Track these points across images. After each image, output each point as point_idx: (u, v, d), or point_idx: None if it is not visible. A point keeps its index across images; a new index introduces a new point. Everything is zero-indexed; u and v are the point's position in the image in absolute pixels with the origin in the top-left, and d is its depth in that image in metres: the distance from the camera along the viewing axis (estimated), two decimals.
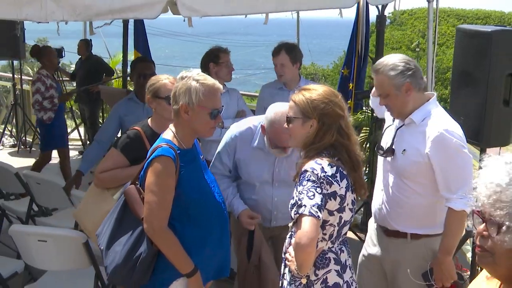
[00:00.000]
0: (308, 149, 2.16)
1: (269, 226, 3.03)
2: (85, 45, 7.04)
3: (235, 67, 4.05)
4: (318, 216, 1.99)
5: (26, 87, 8.33)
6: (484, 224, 1.29)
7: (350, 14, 5.03)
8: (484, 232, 1.29)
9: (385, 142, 2.62)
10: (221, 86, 2.31)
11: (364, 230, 4.71)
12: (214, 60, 3.85)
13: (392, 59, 2.42)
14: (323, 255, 2.17)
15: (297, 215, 2.01)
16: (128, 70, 6.81)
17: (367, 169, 4.93)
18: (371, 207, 2.78)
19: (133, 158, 2.70)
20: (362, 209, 4.86)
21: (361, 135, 5.01)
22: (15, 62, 8.09)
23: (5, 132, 7.89)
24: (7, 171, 4.03)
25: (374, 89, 2.66)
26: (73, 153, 7.56)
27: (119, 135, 3.65)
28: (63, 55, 7.20)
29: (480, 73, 2.99)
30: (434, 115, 2.43)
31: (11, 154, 7.47)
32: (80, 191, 3.67)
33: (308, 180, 2.05)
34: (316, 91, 2.18)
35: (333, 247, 2.19)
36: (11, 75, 8.08)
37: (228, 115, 3.84)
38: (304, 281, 2.14)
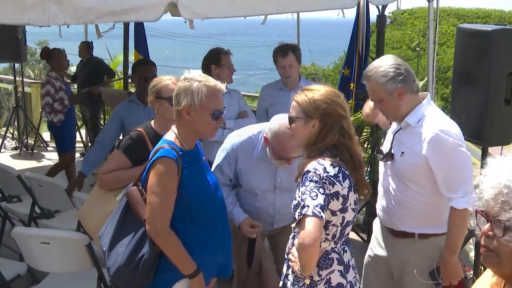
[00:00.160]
0: (310, 149, 2.16)
1: (271, 229, 3.06)
2: (86, 47, 7.06)
3: (235, 68, 4.05)
4: (321, 216, 1.99)
5: (27, 89, 8.35)
6: (489, 224, 1.29)
7: (350, 14, 5.04)
8: (489, 232, 1.28)
9: (385, 146, 2.63)
10: (223, 87, 2.31)
11: (366, 230, 4.72)
12: (216, 62, 3.85)
13: (382, 65, 2.41)
14: (326, 256, 2.17)
15: (300, 215, 2.02)
16: (129, 71, 6.84)
17: (369, 169, 4.93)
18: (373, 207, 2.78)
19: (136, 160, 2.71)
20: (364, 209, 4.86)
21: (363, 134, 5.01)
22: (17, 65, 8.10)
23: (7, 134, 7.89)
24: (9, 173, 4.04)
25: None
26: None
27: (120, 137, 3.66)
28: None
29: (481, 72, 2.99)
30: (428, 116, 2.43)
31: (13, 156, 7.48)
32: (82, 193, 3.68)
33: (311, 180, 2.06)
34: (318, 91, 2.19)
35: (336, 247, 2.20)
36: (12, 77, 8.09)
37: (230, 116, 3.84)
38: (307, 281, 2.15)
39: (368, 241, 4.50)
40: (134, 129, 2.84)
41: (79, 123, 7.97)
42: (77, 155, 7.55)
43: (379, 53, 4.40)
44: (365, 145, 5.06)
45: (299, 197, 2.08)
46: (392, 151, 2.53)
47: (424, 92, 2.57)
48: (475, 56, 3.03)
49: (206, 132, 2.32)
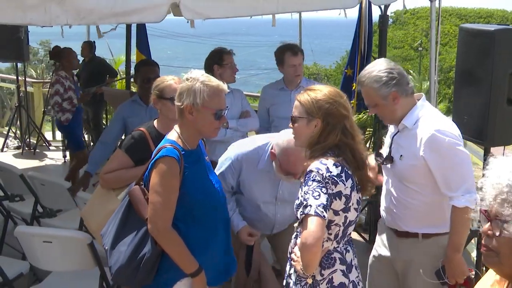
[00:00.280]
0: (313, 149, 2.16)
1: (270, 234, 3.11)
2: (88, 47, 7.06)
3: (237, 68, 4.05)
4: (324, 216, 1.99)
5: (30, 89, 8.36)
6: (489, 223, 1.30)
7: (352, 14, 5.04)
8: (489, 232, 1.29)
9: (385, 150, 2.65)
10: (225, 87, 2.32)
11: (368, 230, 4.72)
12: (218, 62, 3.84)
13: (375, 70, 2.42)
14: (328, 255, 2.17)
15: (303, 215, 2.02)
16: (132, 71, 6.85)
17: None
18: (375, 207, 2.78)
19: (138, 159, 2.72)
20: (366, 208, 4.86)
21: (366, 134, 5.01)
22: (19, 64, 8.12)
23: (9, 134, 7.91)
24: (12, 172, 4.05)
25: None
26: None
27: (123, 137, 3.67)
28: None
29: (483, 72, 2.98)
30: (424, 116, 2.44)
31: (15, 156, 7.49)
32: (85, 192, 3.69)
33: (314, 180, 2.06)
34: (321, 91, 2.19)
35: (338, 247, 2.20)
36: (15, 77, 8.11)
37: (232, 116, 3.84)
38: (309, 281, 2.15)
39: (370, 241, 4.51)
40: (137, 128, 2.84)
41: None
42: None
43: (381, 53, 4.40)
44: (367, 145, 5.07)
45: (301, 196, 2.08)
46: (392, 154, 2.54)
47: (419, 93, 2.58)
48: (478, 56, 3.02)
49: (208, 132, 2.32)
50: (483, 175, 1.33)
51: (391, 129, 2.63)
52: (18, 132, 8.08)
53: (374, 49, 5.31)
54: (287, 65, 3.91)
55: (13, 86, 8.41)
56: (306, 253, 2.00)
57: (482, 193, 1.31)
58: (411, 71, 11.57)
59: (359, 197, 2.22)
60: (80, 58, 7.31)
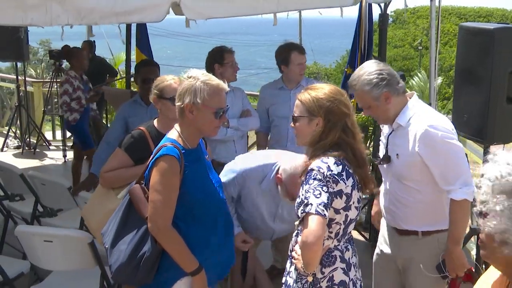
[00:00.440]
0: (314, 148, 2.17)
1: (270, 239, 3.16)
2: (88, 47, 7.07)
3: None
4: (325, 214, 2.00)
5: (30, 88, 8.36)
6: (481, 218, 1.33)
7: (352, 13, 5.04)
8: (479, 225, 1.33)
9: (381, 150, 2.67)
10: (226, 86, 2.32)
11: (368, 229, 4.72)
12: (219, 60, 3.82)
13: (365, 73, 2.45)
14: (329, 253, 2.18)
15: (304, 213, 2.02)
16: (132, 71, 6.85)
17: (371, 168, 4.93)
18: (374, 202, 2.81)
19: (137, 158, 2.72)
20: (366, 207, 4.87)
21: (368, 133, 5.02)
22: (19, 64, 8.12)
23: (9, 133, 7.91)
24: (12, 172, 4.05)
25: None
26: None
27: None
28: None
29: (483, 70, 2.99)
30: (417, 113, 2.46)
31: (15, 155, 7.50)
32: (85, 191, 3.69)
33: (315, 178, 2.06)
34: (322, 89, 2.20)
35: (339, 245, 2.21)
36: (15, 76, 8.11)
37: (233, 114, 3.84)
38: (310, 279, 2.15)
39: (370, 239, 4.52)
40: (136, 128, 2.84)
41: None
42: None
43: (381, 52, 4.40)
44: (367, 144, 5.07)
45: (302, 195, 2.09)
46: (388, 154, 2.56)
47: (411, 92, 2.61)
48: (477, 54, 3.02)
49: (208, 131, 2.32)
50: (482, 175, 1.35)
51: (385, 129, 2.66)
52: (18, 131, 8.08)
53: (375, 48, 5.30)
54: (294, 63, 3.88)
55: (13, 86, 8.41)
56: (307, 252, 2.00)
57: (480, 189, 1.33)
58: (418, 73, 11.60)
59: (360, 196, 2.23)
60: None
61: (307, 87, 2.26)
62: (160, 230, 2.20)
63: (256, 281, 2.93)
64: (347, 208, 2.15)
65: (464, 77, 3.17)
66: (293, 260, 2.23)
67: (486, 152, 3.26)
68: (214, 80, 2.27)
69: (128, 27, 6.33)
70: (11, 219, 4.02)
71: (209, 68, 3.84)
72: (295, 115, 2.24)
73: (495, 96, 2.97)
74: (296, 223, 2.21)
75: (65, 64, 7.38)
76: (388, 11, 4.62)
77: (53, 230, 3.16)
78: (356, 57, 5.15)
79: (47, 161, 7.30)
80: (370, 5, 4.82)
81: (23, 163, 6.64)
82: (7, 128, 8.14)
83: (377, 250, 2.80)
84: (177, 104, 2.27)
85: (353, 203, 2.17)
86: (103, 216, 2.56)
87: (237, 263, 2.90)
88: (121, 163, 2.75)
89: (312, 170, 2.09)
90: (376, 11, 4.75)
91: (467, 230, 3.38)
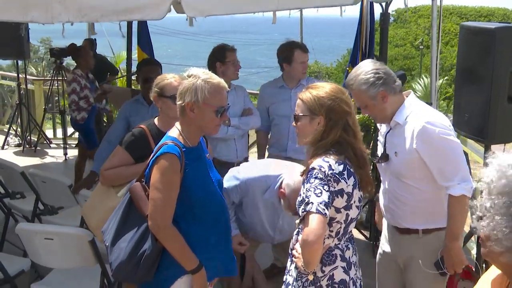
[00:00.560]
0: (316, 147, 2.17)
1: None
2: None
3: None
4: (325, 213, 2.00)
5: (30, 86, 8.36)
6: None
7: (351, 12, 5.04)
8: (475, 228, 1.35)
9: (379, 149, 2.68)
10: (226, 85, 2.32)
11: (369, 228, 4.72)
12: (221, 59, 3.82)
13: (362, 73, 2.47)
14: (329, 252, 2.18)
15: (304, 212, 2.03)
16: (133, 69, 6.85)
17: (372, 167, 4.93)
18: (376, 205, 2.82)
19: (138, 156, 2.71)
20: (367, 206, 4.87)
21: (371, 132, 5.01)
22: (20, 62, 8.12)
23: (10, 131, 7.92)
24: (13, 170, 4.05)
25: None
26: (77, 152, 7.60)
27: None
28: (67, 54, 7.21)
29: (484, 70, 2.98)
30: (414, 111, 2.48)
31: (16, 153, 7.50)
32: (85, 189, 3.69)
33: (316, 177, 2.07)
34: (323, 88, 2.20)
35: (339, 244, 2.21)
36: (15, 74, 8.11)
37: (235, 113, 3.83)
38: (310, 277, 2.16)
39: (370, 239, 4.53)
40: (137, 126, 2.85)
41: None
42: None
43: (382, 51, 4.40)
44: (369, 143, 5.06)
45: (303, 193, 2.09)
46: (387, 152, 2.57)
47: (407, 91, 2.62)
48: (478, 54, 3.02)
49: (209, 129, 2.32)
50: (479, 180, 1.36)
51: (383, 128, 2.67)
52: (19, 129, 8.09)
53: (376, 47, 5.30)
54: (297, 62, 3.88)
55: (13, 84, 8.42)
56: (307, 250, 2.00)
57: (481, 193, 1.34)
58: (423, 76, 11.63)
59: (361, 195, 2.23)
60: None
61: (309, 86, 2.26)
62: (160, 228, 2.20)
63: (254, 283, 2.95)
64: (348, 207, 2.15)
65: (465, 77, 3.17)
66: (293, 258, 2.23)
67: (487, 151, 3.26)
68: (214, 78, 2.27)
69: (129, 25, 6.33)
70: (11, 216, 4.03)
71: (211, 66, 3.84)
72: (297, 114, 2.24)
73: (496, 96, 2.97)
74: (297, 221, 2.22)
75: (66, 62, 7.38)
76: (390, 10, 4.61)
77: (54, 228, 3.16)
78: (357, 56, 5.15)
79: (47, 159, 7.30)
80: (371, 4, 4.82)
81: (23, 161, 6.64)
82: (8, 126, 8.15)
83: (379, 250, 2.82)
84: (178, 103, 2.27)
85: (354, 202, 2.17)
86: (103, 214, 2.57)
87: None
88: (122, 161, 2.75)
89: (313, 169, 2.09)
90: (377, 10, 4.75)
91: (467, 229, 3.38)
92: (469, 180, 2.41)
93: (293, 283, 2.23)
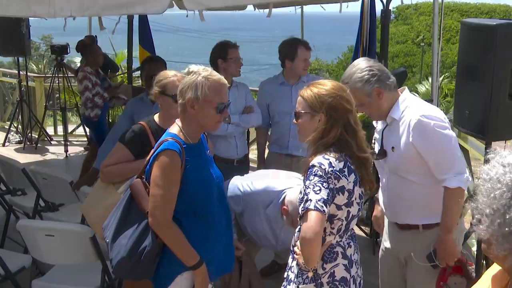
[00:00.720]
0: (317, 145, 2.17)
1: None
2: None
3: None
4: (323, 210, 2.00)
5: (31, 83, 8.36)
6: None
7: (354, 9, 5.03)
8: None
9: (377, 146, 2.70)
10: (226, 81, 2.32)
11: (370, 225, 4.72)
12: (223, 56, 3.80)
13: (356, 71, 2.50)
14: (331, 249, 2.18)
15: (304, 209, 2.03)
16: (133, 66, 6.85)
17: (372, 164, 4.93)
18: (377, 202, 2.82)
19: (138, 153, 2.71)
20: (367, 203, 4.87)
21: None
22: (21, 59, 8.12)
23: (11, 128, 7.92)
24: (14, 166, 4.06)
25: None
26: (78, 149, 7.61)
27: None
28: (68, 51, 7.22)
29: (485, 67, 2.98)
30: (410, 106, 2.51)
31: (17, 150, 7.51)
32: (88, 186, 3.70)
33: (315, 175, 2.07)
34: (324, 86, 2.20)
35: (341, 241, 2.21)
36: (16, 71, 8.11)
37: (236, 110, 3.82)
38: (311, 274, 2.16)
39: (371, 235, 4.53)
40: (137, 122, 2.85)
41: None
42: (81, 149, 7.60)
43: (383, 48, 4.40)
44: (371, 141, 5.06)
45: (303, 191, 2.09)
46: (384, 148, 2.59)
47: (402, 87, 2.64)
48: (479, 50, 3.01)
49: (210, 126, 2.32)
50: (478, 178, 1.36)
51: (379, 126, 2.69)
52: (20, 126, 8.09)
53: (378, 45, 5.29)
54: (299, 59, 3.86)
55: (14, 81, 8.41)
56: (306, 247, 2.01)
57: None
58: (426, 76, 11.65)
59: (362, 192, 2.23)
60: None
61: (309, 83, 2.26)
62: (160, 224, 2.20)
63: (252, 284, 2.97)
64: (349, 204, 2.15)
65: (466, 74, 3.16)
66: (294, 255, 2.23)
67: (487, 148, 3.26)
68: (215, 75, 2.27)
69: (130, 22, 6.33)
70: (13, 213, 4.03)
71: (213, 63, 3.83)
72: (297, 111, 2.24)
73: (497, 93, 2.96)
74: (298, 219, 2.22)
75: (67, 59, 7.38)
76: (390, 7, 4.61)
77: (55, 225, 3.17)
78: (359, 53, 5.14)
79: (48, 156, 7.31)
80: (372, 1, 4.81)
81: (24, 158, 6.65)
82: (8, 123, 8.15)
83: (382, 247, 2.83)
84: (179, 101, 2.27)
85: (355, 199, 2.17)
86: (102, 211, 2.57)
87: (235, 268, 2.93)
88: (122, 158, 2.75)
89: (313, 166, 2.09)
90: (378, 7, 4.74)
91: (467, 226, 3.38)
92: (464, 172, 2.44)
93: (294, 279, 2.23)
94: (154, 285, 2.33)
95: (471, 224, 1.35)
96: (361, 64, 2.52)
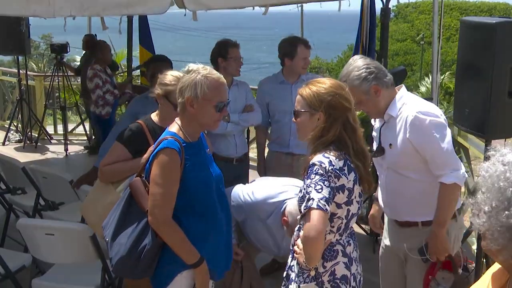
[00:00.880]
0: (316, 144, 2.17)
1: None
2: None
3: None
4: (326, 209, 2.00)
5: (31, 82, 8.36)
6: None
7: (353, 7, 5.02)
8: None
9: (375, 143, 2.71)
10: (225, 80, 2.32)
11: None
12: (223, 55, 3.78)
13: (354, 69, 2.52)
14: (331, 248, 2.18)
15: (306, 208, 2.03)
16: (133, 65, 6.84)
17: (371, 163, 4.93)
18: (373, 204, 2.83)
19: (136, 151, 2.71)
20: (367, 201, 4.87)
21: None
22: (20, 58, 8.11)
23: (11, 127, 7.92)
24: (14, 165, 4.06)
25: None
26: (78, 148, 7.61)
27: None
28: (68, 50, 7.22)
29: (485, 65, 2.98)
30: (407, 103, 2.52)
31: (17, 149, 7.51)
32: (87, 185, 3.69)
33: (316, 173, 2.07)
34: (323, 84, 2.20)
35: (341, 239, 2.21)
36: (16, 70, 8.11)
37: (236, 109, 3.81)
38: (312, 273, 2.16)
39: (371, 233, 4.53)
40: (135, 121, 2.84)
41: (83, 116, 8.00)
42: (81, 148, 7.60)
43: (383, 46, 4.39)
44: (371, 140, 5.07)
45: (304, 190, 2.09)
46: (382, 145, 2.60)
47: (399, 85, 2.65)
48: (479, 49, 3.01)
49: (209, 124, 2.32)
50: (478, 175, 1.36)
51: (377, 124, 2.70)
52: (20, 125, 8.09)
53: (377, 43, 5.28)
54: (299, 57, 3.85)
55: (14, 80, 8.41)
56: (308, 246, 2.01)
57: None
58: (426, 76, 11.66)
59: (361, 190, 2.23)
60: (81, 52, 7.32)
61: (308, 82, 2.26)
62: (160, 223, 2.20)
63: (252, 286, 2.98)
64: (349, 202, 2.15)
65: (466, 72, 3.16)
66: (295, 254, 2.23)
67: (487, 146, 3.26)
68: (214, 73, 2.27)
69: (130, 21, 6.33)
70: (12, 212, 4.04)
71: (213, 62, 3.81)
72: (297, 110, 2.24)
73: (496, 91, 2.96)
74: (298, 217, 2.22)
75: (66, 58, 7.38)
76: (390, 6, 4.60)
77: (55, 224, 3.17)
78: (359, 51, 5.13)
79: (48, 155, 7.31)
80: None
81: (24, 157, 6.65)
82: (8, 122, 8.15)
83: (382, 244, 2.85)
84: (179, 100, 2.27)
85: (355, 197, 2.17)
86: (101, 210, 2.56)
87: (237, 273, 2.93)
88: (119, 157, 2.74)
89: (313, 165, 2.09)
90: (378, 6, 4.73)
91: (468, 224, 3.39)
92: (460, 168, 2.46)
93: (294, 278, 2.24)
94: (154, 284, 2.33)
95: (471, 222, 1.35)
96: (358, 62, 2.53)
